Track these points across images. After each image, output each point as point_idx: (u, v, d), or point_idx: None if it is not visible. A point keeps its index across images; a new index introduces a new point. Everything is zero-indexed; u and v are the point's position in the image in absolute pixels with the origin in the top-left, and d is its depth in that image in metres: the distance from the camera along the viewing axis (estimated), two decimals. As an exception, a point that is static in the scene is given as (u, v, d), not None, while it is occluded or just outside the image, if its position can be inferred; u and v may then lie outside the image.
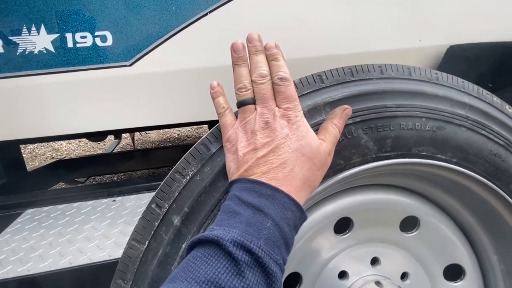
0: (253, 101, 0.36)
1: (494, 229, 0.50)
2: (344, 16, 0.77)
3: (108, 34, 0.69)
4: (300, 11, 0.74)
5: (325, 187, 0.40)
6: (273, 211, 0.30)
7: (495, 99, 0.48)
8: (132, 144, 1.90)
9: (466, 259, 0.52)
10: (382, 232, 0.50)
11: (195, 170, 0.35)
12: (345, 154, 0.40)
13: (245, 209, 0.30)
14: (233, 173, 0.34)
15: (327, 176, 0.40)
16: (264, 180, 0.32)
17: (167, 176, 0.35)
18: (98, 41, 0.69)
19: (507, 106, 0.48)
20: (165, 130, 2.52)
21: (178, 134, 2.53)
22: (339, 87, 0.41)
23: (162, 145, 2.28)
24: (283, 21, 0.74)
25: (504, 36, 0.87)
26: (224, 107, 0.37)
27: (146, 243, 0.33)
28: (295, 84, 0.40)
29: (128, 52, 0.71)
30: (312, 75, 0.42)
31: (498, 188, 0.44)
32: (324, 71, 0.42)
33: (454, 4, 0.82)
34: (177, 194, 0.34)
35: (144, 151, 1.84)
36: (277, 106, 0.35)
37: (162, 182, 0.35)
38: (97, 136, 1.41)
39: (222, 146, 0.37)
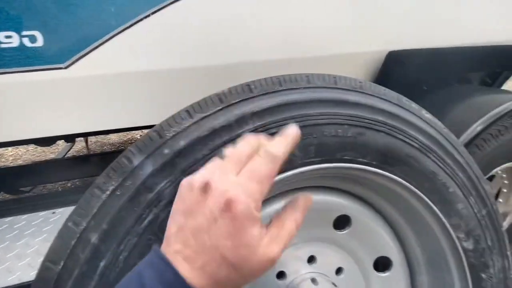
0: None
1: (415, 224, 0.55)
2: (290, 20, 0.79)
3: (37, 34, 0.64)
4: (244, 13, 0.74)
5: (255, 193, 0.41)
6: None
7: (413, 105, 0.52)
8: (86, 148, 1.79)
9: (393, 251, 0.57)
10: (318, 231, 0.53)
11: (115, 185, 0.34)
12: (272, 161, 0.41)
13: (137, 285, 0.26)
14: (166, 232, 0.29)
15: (255, 184, 0.41)
16: (172, 257, 0.27)
17: (86, 191, 0.34)
18: (26, 42, 0.64)
19: (424, 112, 0.53)
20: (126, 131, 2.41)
21: (140, 136, 2.43)
22: (267, 97, 0.42)
23: (122, 148, 2.18)
24: (228, 23, 0.74)
25: (436, 42, 0.95)
26: None
27: (61, 264, 0.32)
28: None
29: (63, 53, 0.67)
30: (241, 84, 0.43)
31: (414, 188, 0.49)
32: (253, 81, 0.44)
33: (392, 12, 0.88)
34: (95, 210, 0.33)
35: (102, 155, 1.74)
36: (236, 174, 0.29)
37: (81, 198, 0.34)
38: (42, 141, 1.31)
39: (146, 158, 0.36)
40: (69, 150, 1.73)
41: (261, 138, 0.33)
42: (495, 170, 0.96)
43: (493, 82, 1.11)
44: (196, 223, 0.28)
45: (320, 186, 0.53)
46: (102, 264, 0.32)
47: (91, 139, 2.21)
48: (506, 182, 1.10)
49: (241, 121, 0.41)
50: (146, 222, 0.35)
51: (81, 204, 0.34)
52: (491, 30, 1.02)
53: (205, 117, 0.40)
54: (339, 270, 0.55)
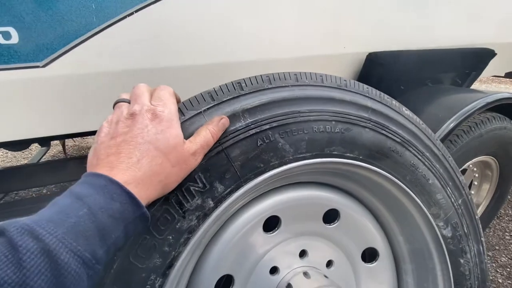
0: (128, 101, 0.37)
1: (398, 214, 0.58)
2: (276, 22, 0.81)
3: (12, 30, 0.61)
4: (230, 14, 0.75)
5: (248, 189, 0.42)
6: (94, 201, 0.28)
7: (394, 102, 0.55)
8: (64, 152, 1.71)
9: (379, 242, 0.59)
10: (308, 226, 0.54)
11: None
12: (264, 157, 0.42)
13: (66, 199, 0.29)
14: (87, 166, 0.33)
15: (248, 179, 0.41)
16: (104, 170, 0.31)
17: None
18: (-1, 38, 0.60)
19: (403, 108, 0.56)
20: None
21: (120, 138, 2.34)
22: (257, 94, 0.43)
23: (101, 151, 2.09)
24: (213, 23, 0.74)
25: (412, 45, 1.01)
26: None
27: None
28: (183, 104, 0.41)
29: (40, 51, 0.64)
30: (231, 82, 0.43)
31: (397, 180, 0.52)
32: (244, 79, 0.44)
33: (371, 16, 0.92)
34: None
35: (80, 159, 1.66)
36: (150, 101, 0.36)
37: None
38: (14, 146, 1.24)
39: None
40: (43, 155, 1.64)
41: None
42: (467, 164, 1.03)
43: (462, 82, 1.19)
44: (128, 136, 0.33)
45: (311, 182, 0.54)
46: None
47: (68, 142, 2.11)
48: (476, 175, 1.18)
49: (233, 118, 0.41)
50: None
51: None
52: (460, 34, 1.09)
53: (197, 114, 0.40)
54: (329, 263, 0.57)
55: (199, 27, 0.73)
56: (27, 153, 2.06)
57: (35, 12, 0.62)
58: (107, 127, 0.35)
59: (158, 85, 0.40)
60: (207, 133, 0.38)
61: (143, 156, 0.32)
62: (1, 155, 2.09)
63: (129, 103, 0.37)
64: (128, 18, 0.68)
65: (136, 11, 0.68)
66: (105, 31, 0.67)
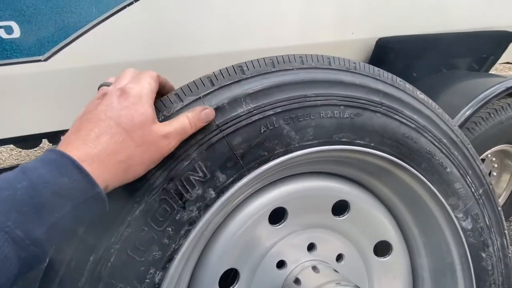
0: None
1: (413, 205, 0.54)
2: (282, 9, 0.78)
3: (14, 24, 0.60)
4: (240, 4, 0.72)
5: (251, 178, 0.40)
6: (37, 174, 0.26)
7: (407, 86, 0.52)
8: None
9: (392, 235, 0.56)
10: (316, 218, 0.52)
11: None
12: (268, 145, 0.40)
13: (12, 172, 0.26)
14: None
15: (251, 168, 0.39)
16: (61, 146, 0.29)
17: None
18: (1, 33, 0.60)
19: (418, 92, 0.53)
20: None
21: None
22: (260, 78, 0.41)
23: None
24: (217, 12, 0.72)
25: (424, 29, 0.95)
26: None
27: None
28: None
29: (42, 45, 0.63)
30: (232, 66, 0.41)
31: (411, 168, 0.48)
32: (245, 62, 0.42)
33: (381, 0, 0.88)
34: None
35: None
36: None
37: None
38: (23, 142, 1.25)
39: None
40: (54, 153, 1.66)
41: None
42: (485, 154, 0.97)
43: (479, 67, 1.13)
44: (92, 114, 0.31)
45: (318, 172, 0.52)
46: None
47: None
48: (496, 165, 1.12)
49: (234, 103, 0.39)
50: (137, 211, 0.33)
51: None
52: (477, 16, 1.03)
53: (196, 99, 0.38)
54: (339, 257, 0.54)
55: (202, 16, 0.71)
56: (39, 151, 2.10)
57: (35, 5, 0.61)
58: (85, 108, 0.34)
59: (169, 79, 0.39)
60: (185, 119, 0.35)
61: (102, 133, 0.30)
62: (16, 154, 2.14)
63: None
64: (128, 8, 0.66)
65: (136, 0, 0.66)
66: (105, 22, 0.65)
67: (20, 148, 1.75)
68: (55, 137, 1.50)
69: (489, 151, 0.97)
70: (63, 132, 0.92)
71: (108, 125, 0.30)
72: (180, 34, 0.70)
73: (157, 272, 0.35)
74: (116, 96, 0.32)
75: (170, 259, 0.36)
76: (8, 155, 2.15)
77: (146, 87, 0.34)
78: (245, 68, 0.41)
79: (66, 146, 0.29)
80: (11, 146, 2.09)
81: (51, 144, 1.84)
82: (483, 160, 1.04)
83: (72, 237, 0.32)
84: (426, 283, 0.57)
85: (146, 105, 0.33)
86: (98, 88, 0.37)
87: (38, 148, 1.93)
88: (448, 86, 0.96)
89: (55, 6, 0.62)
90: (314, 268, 0.50)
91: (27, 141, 1.25)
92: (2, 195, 0.24)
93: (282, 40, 0.80)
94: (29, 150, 2.09)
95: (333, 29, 0.85)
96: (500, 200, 1.14)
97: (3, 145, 1.45)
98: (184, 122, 0.35)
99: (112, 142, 0.30)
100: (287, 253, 0.50)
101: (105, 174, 0.29)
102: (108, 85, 0.36)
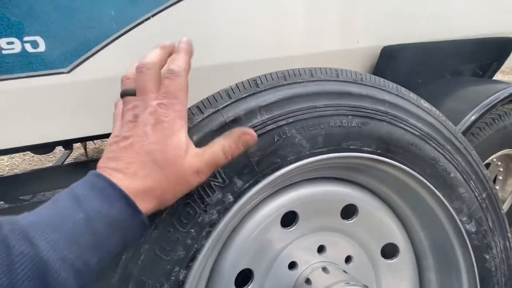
0: (134, 92, 0.34)
1: (419, 209, 0.56)
2: (287, 18, 0.81)
3: (39, 39, 0.64)
4: (247, 15, 0.76)
5: (266, 184, 0.43)
6: (92, 206, 0.27)
7: (412, 95, 0.54)
8: (85, 154, 1.78)
9: (399, 238, 0.59)
10: (326, 221, 0.54)
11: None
12: (281, 153, 0.43)
13: (66, 199, 0.28)
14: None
15: (266, 174, 0.42)
16: (106, 174, 0.30)
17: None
18: (28, 47, 0.64)
19: (422, 101, 0.55)
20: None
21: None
22: (273, 91, 0.44)
23: (120, 153, 2.16)
24: (231, 24, 0.75)
25: (428, 36, 0.98)
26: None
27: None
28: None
29: (65, 58, 0.68)
30: (247, 80, 0.44)
31: (417, 173, 0.51)
32: (259, 76, 0.45)
33: (385, 6, 0.91)
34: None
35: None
36: (156, 100, 0.33)
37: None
38: (40, 149, 1.30)
39: None
40: (67, 157, 1.72)
41: (155, 57, 0.35)
42: (490, 158, 0.99)
43: (484, 73, 1.15)
44: (129, 142, 0.31)
45: (327, 177, 0.54)
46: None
47: (89, 145, 2.20)
48: (501, 169, 1.13)
49: (250, 114, 0.42)
50: (164, 214, 0.36)
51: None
52: (481, 23, 1.05)
53: (215, 111, 0.41)
54: (348, 259, 0.57)
55: (214, 27, 0.75)
56: (51, 156, 2.16)
57: (60, 21, 0.65)
58: (116, 127, 0.34)
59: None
60: (219, 150, 0.33)
61: (139, 169, 0.30)
62: (29, 158, 2.21)
63: (133, 94, 0.34)
64: (146, 22, 0.70)
65: (154, 15, 0.71)
66: (124, 35, 0.69)
67: (34, 153, 1.81)
68: (68, 144, 1.55)
69: (494, 156, 0.98)
70: (79, 139, 0.96)
71: (144, 161, 0.31)
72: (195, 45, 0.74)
73: (181, 270, 0.38)
74: (151, 126, 0.31)
75: (193, 258, 0.39)
76: (21, 160, 2.21)
77: (180, 109, 0.33)
78: (259, 82, 0.44)
79: (110, 175, 0.30)
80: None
81: (63, 150, 1.90)
82: (488, 164, 1.05)
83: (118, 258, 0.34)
84: (432, 284, 0.59)
85: (179, 134, 0.32)
86: (122, 95, 0.35)
87: (51, 153, 1.99)
88: (453, 92, 0.98)
89: (77, 22, 0.66)
90: (324, 269, 0.52)
91: (43, 148, 1.31)
92: (64, 228, 0.26)
93: (288, 49, 0.83)
94: (42, 155, 2.15)
95: (339, 38, 0.88)
96: (506, 204, 1.14)
97: (22, 151, 1.51)
98: (218, 153, 0.33)
99: (148, 179, 0.31)
100: (298, 254, 0.53)
101: (147, 207, 0.31)
102: (133, 94, 0.34)
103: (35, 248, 0.24)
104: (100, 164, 0.32)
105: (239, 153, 0.35)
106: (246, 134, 0.35)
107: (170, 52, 0.37)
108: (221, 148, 0.34)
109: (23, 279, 0.23)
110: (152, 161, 0.31)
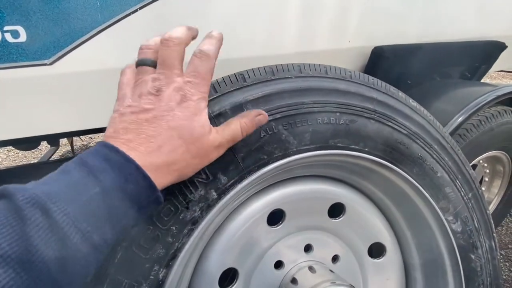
0: (153, 64, 0.33)
1: (406, 209, 0.56)
2: (278, 17, 0.80)
3: (20, 29, 0.62)
4: (239, 10, 0.75)
5: (251, 181, 0.42)
6: (109, 179, 0.26)
7: (400, 94, 0.54)
8: (72, 151, 1.74)
9: (386, 237, 0.58)
10: (313, 220, 0.54)
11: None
12: (267, 149, 0.42)
13: (79, 171, 0.26)
14: (105, 134, 0.31)
15: (251, 171, 0.41)
16: (122, 147, 0.28)
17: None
18: (8, 37, 0.62)
19: (410, 100, 0.55)
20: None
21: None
22: (260, 86, 0.43)
23: (109, 151, 2.12)
24: (222, 20, 0.74)
25: (418, 38, 0.99)
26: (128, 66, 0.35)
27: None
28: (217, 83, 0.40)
29: (48, 49, 0.65)
30: (234, 74, 0.43)
31: (404, 172, 0.51)
32: (246, 70, 0.44)
33: (377, 7, 0.91)
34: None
35: (88, 158, 1.68)
36: (181, 76, 0.32)
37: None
38: (23, 144, 1.26)
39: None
40: (52, 154, 1.67)
41: (183, 34, 0.34)
42: (477, 159, 1.00)
43: (472, 76, 1.17)
44: (151, 115, 0.30)
45: (315, 175, 0.54)
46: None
47: (76, 142, 2.15)
48: (487, 171, 1.15)
49: (236, 109, 0.41)
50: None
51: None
52: (470, 27, 1.07)
53: (200, 105, 0.40)
54: (335, 258, 0.56)
55: (206, 25, 0.73)
56: (37, 153, 2.10)
57: (42, 10, 0.63)
58: (130, 97, 0.31)
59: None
60: (238, 127, 0.35)
61: (165, 143, 0.30)
62: (13, 155, 2.14)
63: (155, 66, 0.32)
64: (132, 15, 0.68)
65: (141, 7, 0.69)
66: (110, 28, 0.67)
67: (19, 149, 1.76)
68: (54, 139, 1.51)
69: (480, 157, 0.99)
70: (63, 134, 0.93)
71: (171, 136, 0.30)
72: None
73: (161, 269, 0.37)
74: (176, 103, 0.31)
75: (174, 257, 0.37)
76: (5, 156, 2.15)
77: (206, 91, 0.33)
78: (246, 76, 0.43)
79: (128, 149, 0.29)
80: (9, 147, 2.08)
81: (49, 146, 1.85)
82: (475, 166, 1.07)
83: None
84: (418, 283, 0.59)
85: (205, 114, 0.33)
86: (137, 65, 0.33)
87: (35, 149, 1.94)
88: (441, 94, 0.99)
89: (61, 12, 0.64)
90: (311, 268, 0.52)
91: (27, 143, 1.27)
92: (80, 200, 0.25)
93: (280, 48, 0.83)
94: (27, 151, 2.10)
95: (331, 37, 0.88)
96: (492, 205, 1.16)
97: (3, 146, 1.46)
98: (236, 130, 0.35)
99: (172, 154, 0.30)
100: (285, 253, 0.52)
101: (163, 180, 0.30)
102: (152, 65, 0.32)
103: (52, 220, 0.23)
104: (109, 134, 0.30)
105: (252, 131, 0.37)
106: (261, 115, 0.38)
107: (194, 35, 0.36)
108: (239, 125, 0.36)
109: (40, 251, 0.22)
110: (178, 136, 0.31)
